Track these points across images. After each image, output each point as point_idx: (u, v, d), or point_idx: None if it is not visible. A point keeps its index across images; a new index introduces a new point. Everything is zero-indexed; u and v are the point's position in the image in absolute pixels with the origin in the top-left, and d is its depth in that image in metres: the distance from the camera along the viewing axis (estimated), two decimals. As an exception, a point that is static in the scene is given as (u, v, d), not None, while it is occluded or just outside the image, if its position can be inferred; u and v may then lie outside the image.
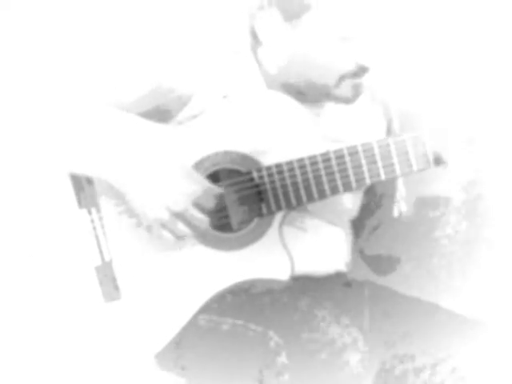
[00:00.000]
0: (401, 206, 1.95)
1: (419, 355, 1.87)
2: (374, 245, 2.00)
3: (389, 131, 1.98)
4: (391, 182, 1.97)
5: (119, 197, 1.78)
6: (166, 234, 1.77)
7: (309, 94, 1.86)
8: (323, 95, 1.86)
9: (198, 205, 1.76)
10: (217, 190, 1.78)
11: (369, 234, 2.00)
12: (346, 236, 1.97)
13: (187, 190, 1.75)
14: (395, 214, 1.95)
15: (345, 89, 1.84)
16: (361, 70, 1.82)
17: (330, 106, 1.91)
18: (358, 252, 2.03)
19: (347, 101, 1.86)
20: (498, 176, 1.99)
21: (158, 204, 1.74)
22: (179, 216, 1.75)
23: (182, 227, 1.75)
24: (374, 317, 1.93)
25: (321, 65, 1.82)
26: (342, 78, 1.83)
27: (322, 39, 1.81)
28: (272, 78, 1.87)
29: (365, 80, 1.84)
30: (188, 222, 1.76)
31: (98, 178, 1.76)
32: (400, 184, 1.94)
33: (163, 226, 1.76)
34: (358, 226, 2.00)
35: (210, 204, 1.77)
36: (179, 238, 1.78)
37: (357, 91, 1.85)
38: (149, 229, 1.79)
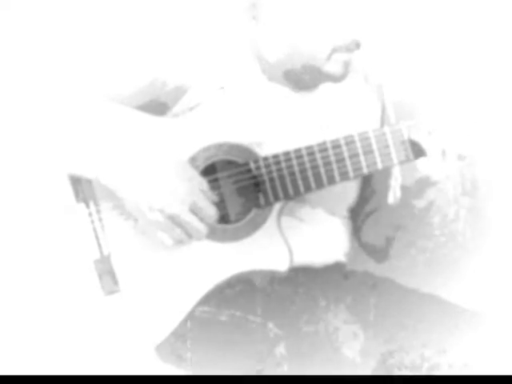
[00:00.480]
0: (396, 193, 1.95)
1: (419, 347, 1.88)
2: (371, 231, 2.00)
3: (382, 118, 1.98)
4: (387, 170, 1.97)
5: (114, 198, 1.78)
6: (164, 237, 1.77)
7: (305, 77, 1.86)
8: (316, 74, 1.86)
9: (195, 212, 1.76)
10: (214, 197, 1.78)
11: (363, 221, 2.00)
12: (344, 226, 1.97)
13: (181, 190, 1.74)
14: (390, 200, 1.95)
15: (336, 65, 1.84)
16: (353, 45, 1.82)
17: (322, 90, 1.91)
18: (356, 239, 2.03)
19: (336, 79, 1.86)
20: (496, 167, 1.99)
21: (151, 205, 1.73)
22: (174, 219, 1.75)
23: (179, 232, 1.76)
24: (374, 308, 1.93)
25: (315, 34, 1.82)
26: (334, 50, 1.83)
27: (319, 6, 1.81)
28: (272, 66, 1.88)
29: (356, 58, 1.84)
30: (184, 229, 1.76)
31: (91, 178, 1.76)
32: (396, 170, 1.94)
33: (161, 228, 1.76)
34: (354, 214, 2.00)
35: (210, 212, 1.77)
36: (178, 241, 1.78)
37: (346, 69, 1.85)
38: (143, 232, 1.79)
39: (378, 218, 1.98)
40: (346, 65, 1.84)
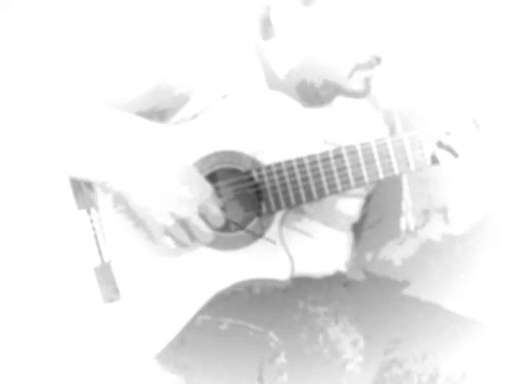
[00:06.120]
0: (408, 218, 1.95)
1: (419, 356, 1.88)
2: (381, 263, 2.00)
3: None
4: (397, 193, 1.98)
5: (121, 202, 1.78)
6: (169, 241, 1.77)
7: (323, 93, 1.87)
8: (334, 90, 1.86)
9: (203, 215, 1.76)
10: (218, 201, 1.78)
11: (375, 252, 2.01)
12: (346, 236, 1.97)
13: (191, 194, 1.74)
14: (402, 226, 1.96)
15: (357, 82, 1.84)
16: (374, 61, 1.82)
17: (330, 112, 1.91)
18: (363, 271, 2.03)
19: (358, 95, 1.86)
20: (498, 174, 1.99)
21: (162, 209, 1.73)
22: (183, 223, 1.75)
23: (185, 237, 1.75)
24: (374, 317, 1.93)
25: (336, 52, 1.82)
26: (356, 68, 1.83)
27: (338, 23, 1.81)
28: (282, 80, 1.88)
29: (375, 73, 1.84)
30: (191, 233, 1.75)
31: (99, 182, 1.76)
32: (406, 194, 1.94)
33: (167, 232, 1.76)
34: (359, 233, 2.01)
35: (218, 215, 1.77)
36: (181, 245, 1.77)
37: (368, 85, 1.85)
38: (151, 238, 1.79)
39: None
40: (367, 81, 1.84)
